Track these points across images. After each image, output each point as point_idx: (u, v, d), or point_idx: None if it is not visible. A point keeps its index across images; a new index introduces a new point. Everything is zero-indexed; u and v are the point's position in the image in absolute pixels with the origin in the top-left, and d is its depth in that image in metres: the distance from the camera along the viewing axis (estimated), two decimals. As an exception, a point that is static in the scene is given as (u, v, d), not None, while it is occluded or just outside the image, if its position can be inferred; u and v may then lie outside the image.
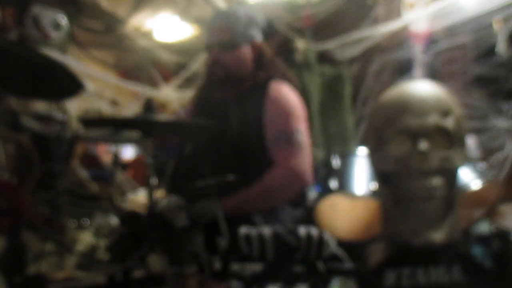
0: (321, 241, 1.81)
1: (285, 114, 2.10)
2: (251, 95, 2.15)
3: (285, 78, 2.20)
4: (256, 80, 2.17)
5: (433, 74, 3.60)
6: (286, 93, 2.14)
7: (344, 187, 2.28)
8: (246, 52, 2.16)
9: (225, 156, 2.09)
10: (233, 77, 2.16)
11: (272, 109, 2.10)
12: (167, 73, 4.64)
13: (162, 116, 2.23)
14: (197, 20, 4.32)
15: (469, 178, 2.22)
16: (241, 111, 2.14)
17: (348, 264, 1.84)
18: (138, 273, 1.63)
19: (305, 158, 2.08)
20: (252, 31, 2.17)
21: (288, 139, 2.07)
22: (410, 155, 1.50)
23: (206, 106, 2.26)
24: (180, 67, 4.48)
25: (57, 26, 3.18)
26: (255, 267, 1.70)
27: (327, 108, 3.86)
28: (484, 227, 2.11)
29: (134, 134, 2.37)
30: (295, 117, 2.11)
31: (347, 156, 2.36)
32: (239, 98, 2.17)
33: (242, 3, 3.83)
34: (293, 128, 2.08)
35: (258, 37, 2.20)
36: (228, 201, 1.94)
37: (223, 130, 2.10)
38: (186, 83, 4.28)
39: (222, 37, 2.15)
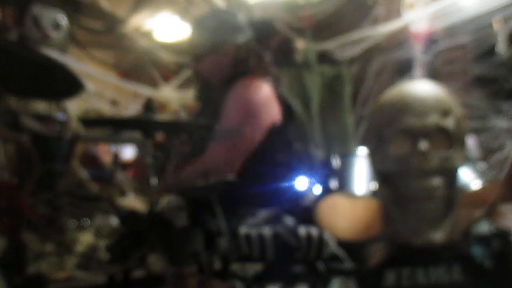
0: (321, 241, 1.81)
1: (232, 110, 2.06)
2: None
3: (264, 74, 2.16)
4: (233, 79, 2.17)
5: (433, 74, 3.60)
6: (246, 90, 2.09)
7: (344, 187, 2.28)
8: (220, 57, 2.15)
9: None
10: (214, 82, 2.18)
11: (226, 105, 2.08)
12: (167, 73, 4.64)
13: (162, 116, 2.23)
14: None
15: (469, 178, 2.22)
16: (215, 109, 2.15)
17: (348, 264, 1.85)
18: (138, 273, 1.63)
19: (220, 156, 2.02)
20: (224, 36, 2.14)
21: (221, 133, 2.03)
22: (410, 155, 1.50)
23: (208, 106, 2.27)
24: (180, 67, 4.48)
25: (57, 26, 3.19)
26: (255, 267, 1.70)
27: (327, 108, 3.85)
28: (484, 227, 2.11)
29: (134, 134, 2.38)
30: (241, 113, 2.05)
31: (347, 156, 2.36)
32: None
33: (240, 3, 3.83)
34: (230, 124, 2.04)
35: (233, 38, 2.15)
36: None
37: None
38: (186, 83, 4.29)
39: (192, 48, 2.18)
